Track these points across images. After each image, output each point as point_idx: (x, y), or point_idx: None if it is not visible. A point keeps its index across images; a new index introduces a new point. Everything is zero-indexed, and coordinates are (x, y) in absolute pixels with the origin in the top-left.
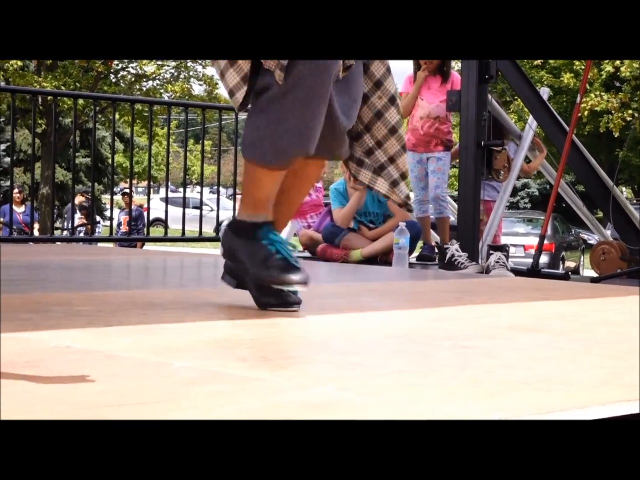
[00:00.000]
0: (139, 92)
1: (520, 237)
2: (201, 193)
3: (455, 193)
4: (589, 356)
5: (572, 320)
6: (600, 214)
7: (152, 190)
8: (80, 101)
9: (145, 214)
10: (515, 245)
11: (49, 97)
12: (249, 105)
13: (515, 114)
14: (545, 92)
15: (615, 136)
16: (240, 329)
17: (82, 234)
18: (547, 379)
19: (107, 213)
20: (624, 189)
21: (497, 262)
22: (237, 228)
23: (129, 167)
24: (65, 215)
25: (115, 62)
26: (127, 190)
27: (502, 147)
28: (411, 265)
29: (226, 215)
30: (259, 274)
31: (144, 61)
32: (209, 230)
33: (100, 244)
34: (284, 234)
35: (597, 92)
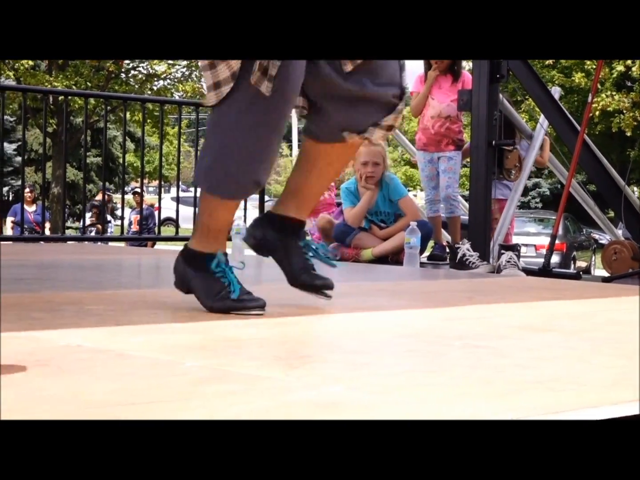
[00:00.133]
0: (149, 92)
1: (532, 236)
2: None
3: (467, 193)
4: (599, 356)
5: (583, 320)
6: (612, 214)
7: (162, 189)
8: (91, 101)
9: (155, 213)
10: (526, 245)
11: (60, 97)
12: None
13: (527, 113)
14: (556, 92)
15: (627, 136)
16: (251, 329)
17: (93, 233)
18: (557, 378)
19: (118, 212)
20: (635, 188)
21: (508, 261)
22: (189, 257)
23: (140, 167)
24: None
25: (126, 61)
26: (138, 190)
27: (513, 147)
28: (422, 264)
29: (237, 215)
30: (213, 305)
31: (155, 61)
32: None
33: (111, 244)
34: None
35: (609, 92)
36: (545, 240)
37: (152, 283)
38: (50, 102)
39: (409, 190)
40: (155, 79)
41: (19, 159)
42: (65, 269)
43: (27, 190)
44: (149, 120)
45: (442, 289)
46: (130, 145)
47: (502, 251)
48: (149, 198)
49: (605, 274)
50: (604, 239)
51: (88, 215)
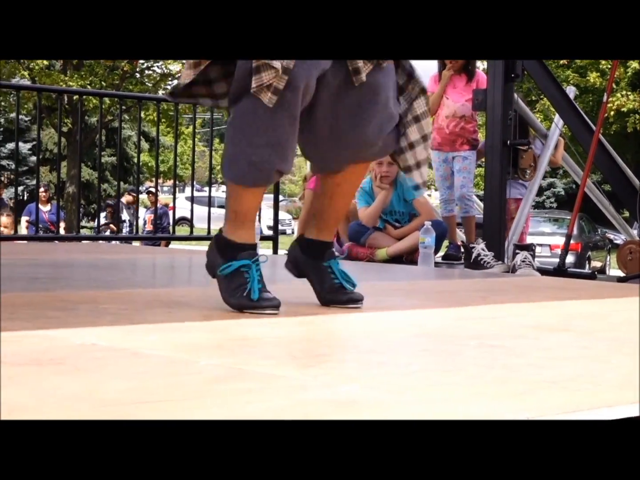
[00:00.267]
0: (164, 91)
1: (546, 236)
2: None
3: (481, 192)
4: (615, 355)
5: (598, 319)
6: (627, 214)
7: (177, 189)
8: (106, 100)
9: (170, 212)
10: (541, 245)
11: (74, 96)
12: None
13: (541, 113)
14: (571, 91)
15: None
16: (267, 327)
17: (107, 233)
18: (573, 378)
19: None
20: None
21: (523, 261)
22: (220, 245)
23: (155, 166)
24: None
25: (141, 61)
26: (152, 189)
27: (528, 146)
28: (437, 264)
29: None
30: (229, 300)
31: (169, 60)
32: None
33: (125, 243)
34: None
35: (624, 92)
36: (560, 240)
37: (167, 282)
38: (65, 102)
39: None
40: (170, 78)
41: (33, 158)
42: (80, 268)
43: (41, 189)
44: (163, 120)
45: (456, 289)
46: (144, 144)
47: (517, 251)
48: (163, 197)
49: (621, 274)
50: (619, 239)
51: (102, 214)
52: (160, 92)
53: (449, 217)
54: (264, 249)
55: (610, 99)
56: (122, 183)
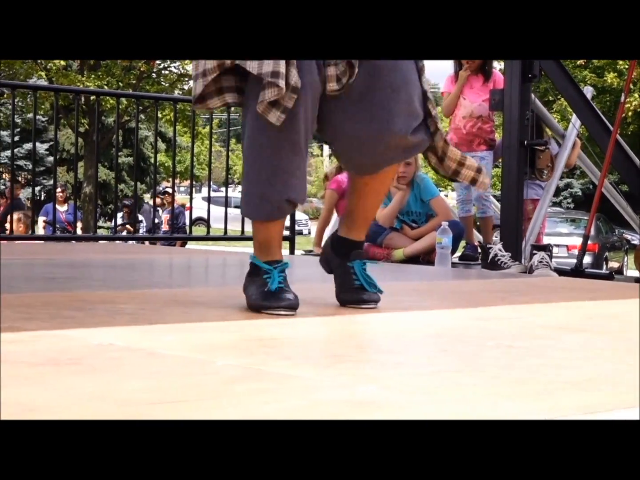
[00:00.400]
0: (181, 92)
1: (564, 237)
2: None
3: (498, 193)
4: (634, 356)
5: (616, 320)
6: None
7: (194, 189)
8: (123, 100)
9: (187, 213)
10: (558, 246)
11: (91, 97)
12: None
13: (558, 113)
14: (588, 91)
15: None
16: (284, 328)
17: (124, 233)
18: (592, 378)
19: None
20: None
21: (540, 262)
22: (250, 268)
23: (172, 167)
24: (142, 217)
25: (158, 61)
26: (168, 190)
27: (545, 147)
28: (454, 265)
29: None
30: (249, 300)
31: (186, 60)
32: (250, 229)
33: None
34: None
35: None
36: (577, 241)
37: (184, 282)
38: (82, 102)
39: (440, 190)
40: (187, 78)
41: (51, 158)
42: (97, 268)
43: (59, 190)
44: (180, 120)
45: (474, 289)
46: (161, 145)
47: (534, 251)
48: (180, 198)
49: (638, 274)
50: (636, 239)
51: (119, 215)
52: (177, 92)
53: (466, 217)
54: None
55: (628, 99)
56: (138, 183)
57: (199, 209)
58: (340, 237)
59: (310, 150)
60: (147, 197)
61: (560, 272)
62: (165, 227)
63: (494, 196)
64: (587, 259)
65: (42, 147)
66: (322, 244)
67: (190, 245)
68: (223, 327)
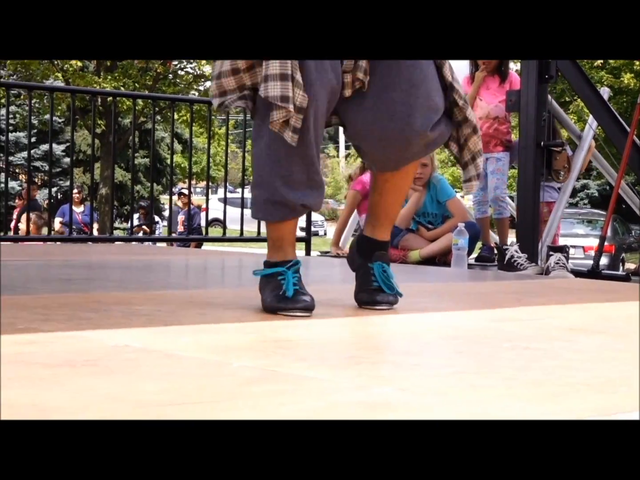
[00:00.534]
0: (197, 93)
1: (580, 238)
2: None
3: (515, 194)
4: None
5: (633, 321)
6: None
7: (210, 190)
8: (139, 102)
9: (202, 214)
10: (574, 247)
11: (108, 98)
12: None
13: (575, 114)
14: (605, 92)
15: None
16: (300, 329)
17: (140, 233)
18: (608, 380)
19: (165, 213)
20: None
21: (557, 263)
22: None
23: (188, 168)
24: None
25: (174, 62)
26: (184, 191)
27: (562, 148)
28: (470, 266)
29: None
30: (264, 302)
31: (203, 61)
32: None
33: (158, 244)
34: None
35: None
36: (593, 242)
37: (200, 283)
38: (99, 103)
39: (456, 192)
40: (203, 79)
41: (67, 159)
42: (114, 270)
43: (75, 191)
44: (196, 121)
45: (490, 291)
46: (177, 146)
47: (551, 253)
48: (196, 199)
49: None
50: None
51: (136, 216)
52: (193, 93)
53: (482, 218)
54: (297, 251)
55: None
56: (155, 184)
57: (215, 210)
58: (364, 237)
59: (326, 151)
60: (163, 198)
61: (577, 273)
62: (180, 228)
63: (510, 197)
64: (604, 261)
65: (58, 149)
66: (340, 244)
67: (206, 246)
68: (239, 328)
